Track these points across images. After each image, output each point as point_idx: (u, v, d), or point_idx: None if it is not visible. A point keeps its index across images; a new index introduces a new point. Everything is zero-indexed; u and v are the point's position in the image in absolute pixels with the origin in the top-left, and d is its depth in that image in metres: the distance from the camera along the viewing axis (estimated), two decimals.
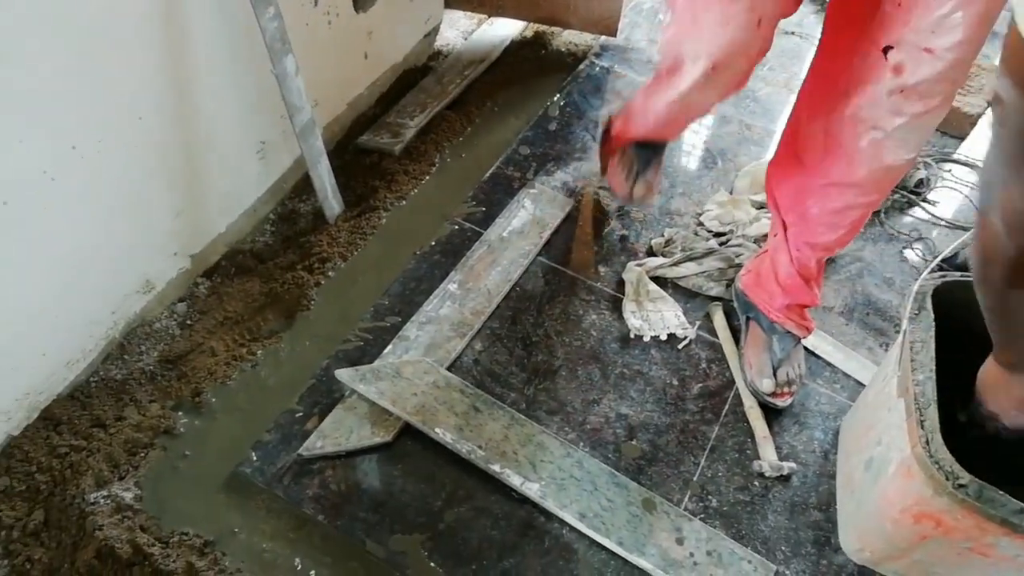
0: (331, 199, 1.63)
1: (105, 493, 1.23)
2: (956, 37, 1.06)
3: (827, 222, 1.28)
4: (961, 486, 0.96)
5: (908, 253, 1.77)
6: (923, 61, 1.09)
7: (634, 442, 1.39)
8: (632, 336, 1.53)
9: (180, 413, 1.34)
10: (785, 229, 1.38)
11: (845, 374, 1.53)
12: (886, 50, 1.12)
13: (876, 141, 1.14)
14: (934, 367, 1.07)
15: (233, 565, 1.19)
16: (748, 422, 1.42)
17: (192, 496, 1.25)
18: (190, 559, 1.18)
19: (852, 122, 1.15)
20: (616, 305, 1.58)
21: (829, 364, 1.54)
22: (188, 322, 1.48)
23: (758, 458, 1.38)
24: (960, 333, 1.12)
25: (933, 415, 1.02)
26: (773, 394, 1.44)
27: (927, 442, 1.00)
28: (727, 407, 1.45)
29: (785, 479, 1.36)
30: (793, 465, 1.36)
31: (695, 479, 1.35)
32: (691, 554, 1.24)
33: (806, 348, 1.55)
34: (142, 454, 1.28)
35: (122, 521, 1.20)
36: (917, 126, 1.12)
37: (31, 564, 1.18)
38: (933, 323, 1.10)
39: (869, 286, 1.68)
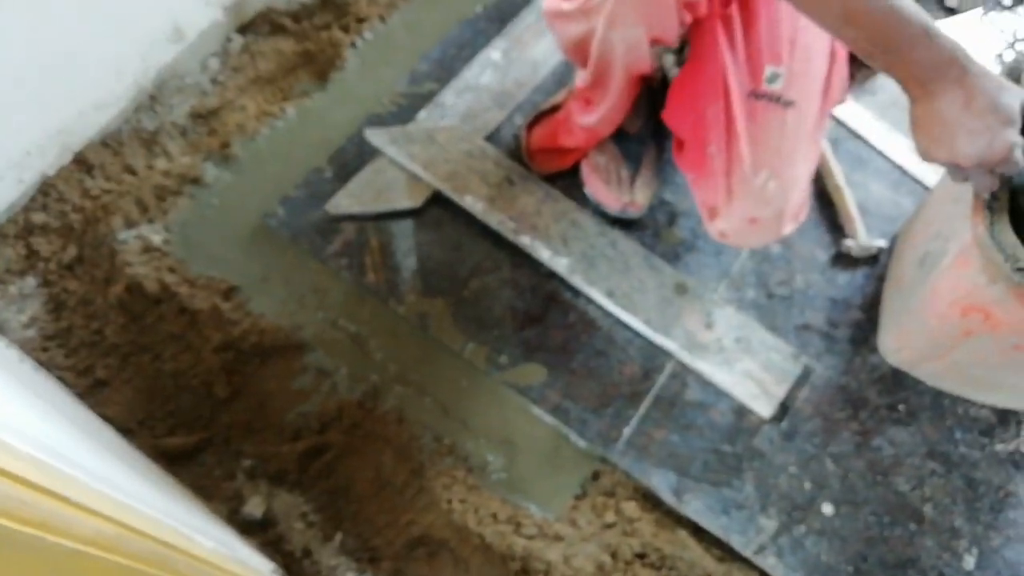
0: None
1: (135, 233, 1.24)
2: (778, 206, 1.02)
3: None
4: (1020, 269, 0.88)
5: (1008, 55, 1.57)
6: (746, 232, 1.07)
7: (675, 229, 1.32)
8: None
9: (209, 164, 1.32)
10: None
11: (913, 178, 1.41)
12: (711, 211, 1.08)
13: None
14: None
15: (256, 310, 1.20)
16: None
17: (219, 244, 1.25)
18: (215, 301, 1.19)
19: None
20: None
21: (898, 167, 1.42)
22: (220, 78, 1.43)
23: (833, 243, 1.32)
24: None
25: (1004, 196, 0.92)
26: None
27: (991, 223, 0.91)
28: None
29: (852, 261, 1.31)
30: (883, 243, 1.29)
31: (734, 269, 1.29)
32: (719, 339, 1.21)
33: (875, 147, 1.43)
34: (171, 200, 1.28)
35: (150, 261, 1.22)
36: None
37: (67, 294, 1.21)
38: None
39: None
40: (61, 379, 1.14)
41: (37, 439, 0.51)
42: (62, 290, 1.21)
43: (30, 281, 1.22)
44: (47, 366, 1.15)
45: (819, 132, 1.07)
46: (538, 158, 1.32)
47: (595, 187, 1.29)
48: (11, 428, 0.47)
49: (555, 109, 1.31)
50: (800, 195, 1.06)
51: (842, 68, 1.06)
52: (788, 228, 1.09)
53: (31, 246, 1.24)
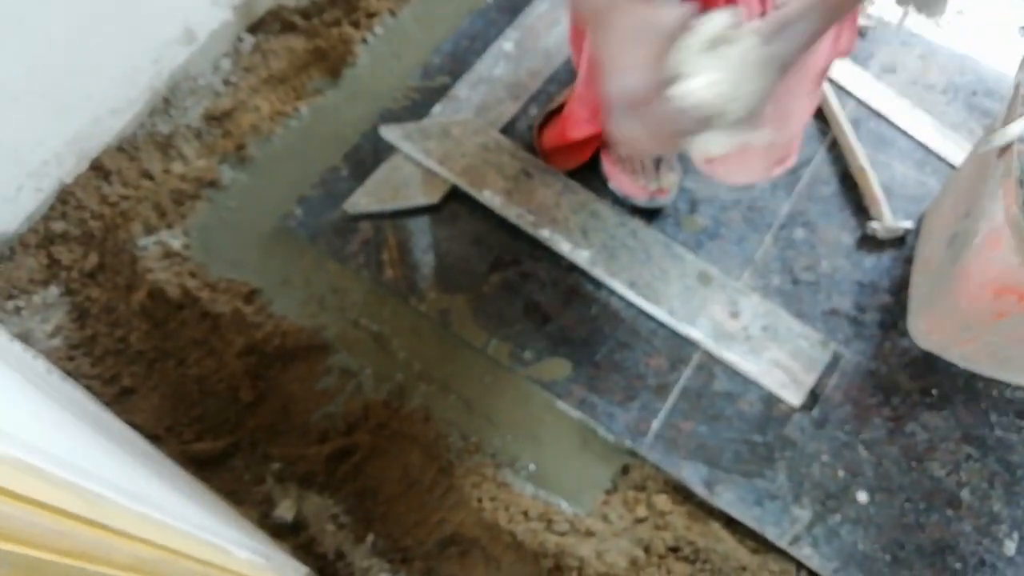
0: None
1: (154, 239, 1.24)
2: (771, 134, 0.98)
3: None
4: None
5: None
6: (733, 158, 1.03)
7: (696, 216, 1.30)
8: None
9: (225, 166, 1.31)
10: None
11: (938, 157, 1.38)
12: None
13: None
14: None
15: (278, 313, 1.20)
16: (822, 198, 1.32)
17: (238, 246, 1.25)
18: (237, 305, 1.19)
19: None
20: None
21: (922, 145, 1.39)
22: (232, 79, 1.42)
23: (858, 225, 1.30)
24: None
25: None
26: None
27: None
28: (800, 184, 1.33)
29: (879, 244, 1.28)
30: (910, 224, 1.27)
31: (758, 256, 1.27)
32: (745, 328, 1.19)
33: (898, 126, 1.40)
34: (188, 204, 1.27)
35: (170, 266, 1.21)
36: None
37: (90, 302, 1.21)
38: None
39: (979, 61, 1.48)
40: (88, 388, 1.14)
41: (71, 461, 0.50)
42: (85, 298, 1.21)
43: (53, 290, 1.23)
44: (74, 375, 1.15)
45: (822, 77, 1.04)
46: (554, 158, 1.31)
47: (619, 181, 1.27)
48: (46, 452, 0.46)
49: (560, 109, 1.29)
50: (793, 133, 1.06)
51: (852, 22, 1.04)
52: (775, 170, 1.10)
53: (52, 255, 1.24)
